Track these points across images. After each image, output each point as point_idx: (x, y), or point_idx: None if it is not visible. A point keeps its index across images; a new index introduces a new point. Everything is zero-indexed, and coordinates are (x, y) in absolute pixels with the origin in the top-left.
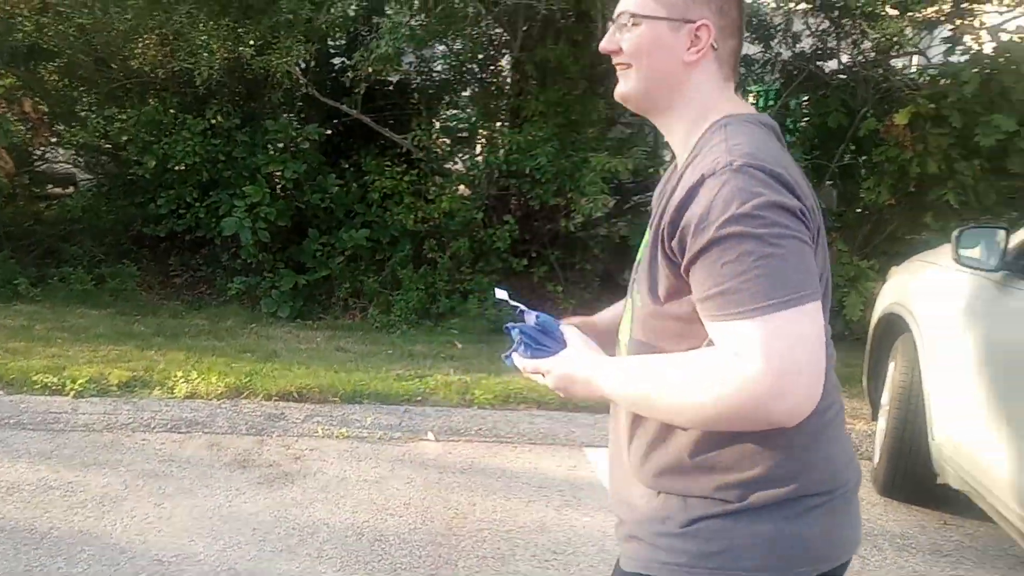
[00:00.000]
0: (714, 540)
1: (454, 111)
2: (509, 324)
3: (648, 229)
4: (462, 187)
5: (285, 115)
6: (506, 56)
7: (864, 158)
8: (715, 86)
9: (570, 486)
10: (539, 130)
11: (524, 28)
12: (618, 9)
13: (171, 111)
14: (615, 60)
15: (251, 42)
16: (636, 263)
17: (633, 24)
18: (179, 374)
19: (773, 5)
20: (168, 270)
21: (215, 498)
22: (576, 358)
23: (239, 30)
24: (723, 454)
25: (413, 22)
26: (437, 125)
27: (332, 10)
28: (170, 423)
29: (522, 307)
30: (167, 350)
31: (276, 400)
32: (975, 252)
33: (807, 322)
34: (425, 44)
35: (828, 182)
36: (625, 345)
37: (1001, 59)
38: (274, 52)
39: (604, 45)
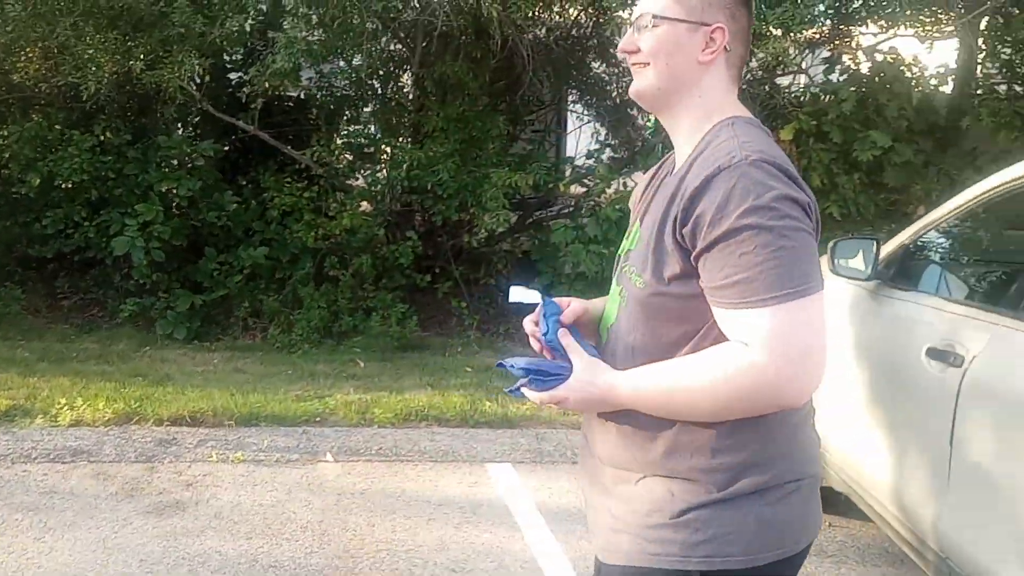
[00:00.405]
0: (703, 529)
1: (356, 127)
2: (503, 362)
3: (636, 221)
4: (364, 203)
5: (179, 131)
6: (407, 72)
7: None
8: (723, 88)
9: (470, 503)
10: (440, 146)
11: (423, 44)
12: (638, 11)
13: (56, 127)
14: (632, 60)
15: (141, 56)
16: (624, 252)
17: (654, 25)
18: (63, 401)
19: None
20: (55, 292)
21: (100, 530)
22: (589, 379)
23: (128, 43)
24: (711, 438)
25: (311, 37)
26: (339, 141)
27: (227, 24)
28: (53, 453)
29: (539, 299)
30: (52, 376)
31: (168, 425)
32: (849, 262)
33: (814, 310)
34: (323, 60)
35: None
36: (607, 330)
37: (876, 78)
38: (165, 66)
39: (623, 46)
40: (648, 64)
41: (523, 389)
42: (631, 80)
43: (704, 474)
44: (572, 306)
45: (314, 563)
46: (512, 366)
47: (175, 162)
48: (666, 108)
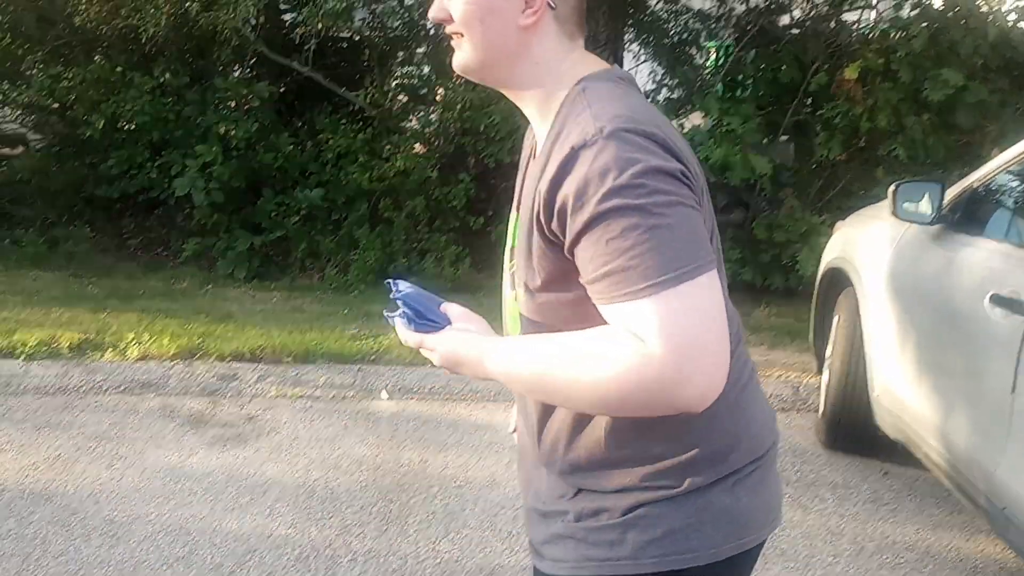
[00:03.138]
0: (655, 526)
1: (409, 68)
2: (393, 279)
3: (514, 211)
4: (417, 145)
5: (236, 73)
6: None
7: (819, 112)
8: (560, 47)
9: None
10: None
11: None
12: None
13: (118, 69)
14: (447, 29)
15: None
16: (509, 248)
17: None
18: (131, 336)
19: None
20: (122, 232)
21: (167, 459)
22: (462, 336)
23: None
24: (647, 445)
25: None
26: (394, 83)
27: None
28: (122, 385)
29: (398, 285)
30: (120, 312)
31: (229, 361)
32: (912, 206)
33: (706, 295)
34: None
35: (783, 137)
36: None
37: (950, 13)
38: (221, 7)
39: (433, 14)
40: (463, 35)
41: (397, 324)
42: (690, 18)
43: (650, 479)
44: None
45: (368, 496)
46: (397, 291)
47: (232, 104)
48: (500, 82)
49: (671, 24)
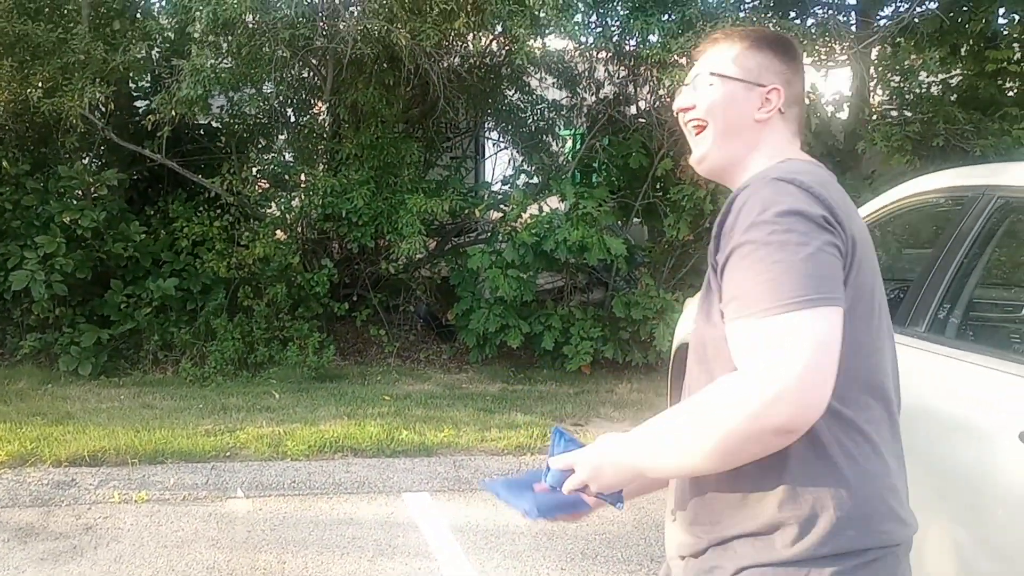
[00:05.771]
0: None
1: (270, 155)
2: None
3: None
4: (278, 232)
5: (84, 160)
6: (321, 100)
7: (667, 196)
8: (785, 139)
9: (386, 534)
10: (355, 173)
11: (335, 72)
12: (696, 71)
13: None
14: (688, 117)
15: (39, 84)
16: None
17: (710, 84)
18: None
19: (576, 52)
20: None
21: None
22: (599, 443)
23: (26, 71)
24: (773, 489)
25: (223, 64)
26: (255, 170)
27: (130, 51)
28: None
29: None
30: None
31: (66, 466)
32: None
33: (810, 326)
34: (232, 88)
35: (636, 220)
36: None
37: None
38: (65, 94)
39: (680, 103)
40: (706, 126)
41: (550, 461)
42: (545, 107)
43: (770, 528)
44: None
45: None
46: (558, 443)
47: (78, 192)
48: (730, 170)
49: (528, 113)
